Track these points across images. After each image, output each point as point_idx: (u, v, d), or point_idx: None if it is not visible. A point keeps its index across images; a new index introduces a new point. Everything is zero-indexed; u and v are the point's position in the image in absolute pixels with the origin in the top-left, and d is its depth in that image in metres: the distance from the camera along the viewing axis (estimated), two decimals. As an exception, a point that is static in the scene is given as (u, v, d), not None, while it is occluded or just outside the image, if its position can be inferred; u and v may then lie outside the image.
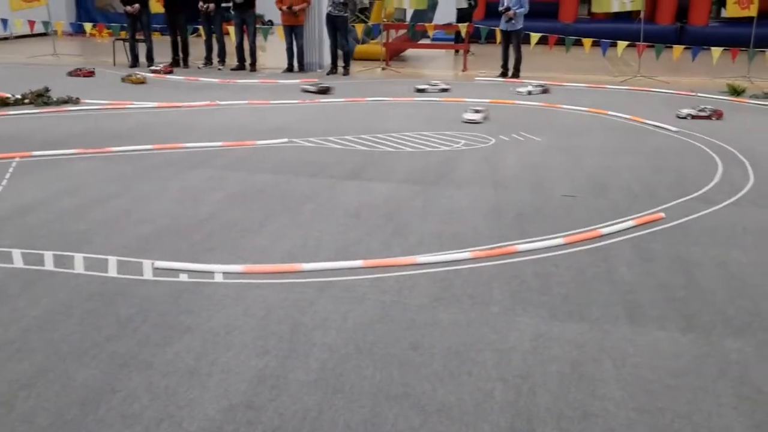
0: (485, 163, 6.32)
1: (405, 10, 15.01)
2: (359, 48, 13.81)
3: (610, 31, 14.36)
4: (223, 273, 3.86)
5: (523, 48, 11.77)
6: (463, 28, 13.39)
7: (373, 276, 3.85)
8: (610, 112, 8.68)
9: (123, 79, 10.76)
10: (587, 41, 12.19)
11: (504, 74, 11.93)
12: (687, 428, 2.55)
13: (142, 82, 10.75)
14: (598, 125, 8.10)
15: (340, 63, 12.11)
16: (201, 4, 12.01)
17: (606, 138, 7.41)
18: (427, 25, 13.60)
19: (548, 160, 6.44)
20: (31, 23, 13.71)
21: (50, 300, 3.52)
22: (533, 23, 12.91)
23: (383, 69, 12.82)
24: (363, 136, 7.26)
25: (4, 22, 13.60)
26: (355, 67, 12.62)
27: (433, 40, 15.68)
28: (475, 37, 14.09)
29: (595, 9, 13.22)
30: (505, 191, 5.45)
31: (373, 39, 14.59)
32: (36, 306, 3.45)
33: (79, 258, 4.03)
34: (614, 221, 4.74)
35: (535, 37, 12.40)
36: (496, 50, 12.50)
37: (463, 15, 15.05)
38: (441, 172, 5.98)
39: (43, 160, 6.17)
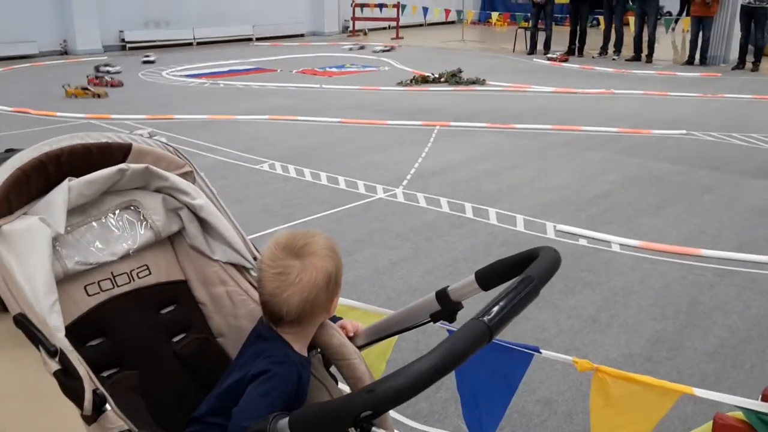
0: None
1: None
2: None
3: None
4: (620, 244, 4.13)
5: None
6: None
7: (779, 273, 3.73)
8: None
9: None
10: None
11: None
12: None
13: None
14: None
15: (750, 59, 11.16)
16: (605, -7, 12.19)
17: None
18: None
19: None
20: (447, 12, 15.49)
21: (472, 241, 4.21)
22: None
23: (801, 67, 11.42)
24: (773, 135, 6.75)
25: (425, 10, 15.62)
26: (766, 64, 11.50)
27: None
28: None
29: None
30: None
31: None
32: (462, 242, 4.17)
33: (492, 212, 4.69)
34: None
35: None
36: None
37: None
38: None
39: (459, 130, 7.13)
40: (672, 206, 4.83)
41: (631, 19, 12.34)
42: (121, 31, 13.70)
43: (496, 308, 0.99)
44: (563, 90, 9.40)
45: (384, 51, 13.60)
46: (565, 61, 12.24)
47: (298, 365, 1.37)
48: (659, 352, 2.96)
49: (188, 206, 1.53)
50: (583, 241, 4.20)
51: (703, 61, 11.55)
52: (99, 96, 8.56)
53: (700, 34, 11.48)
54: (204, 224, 1.55)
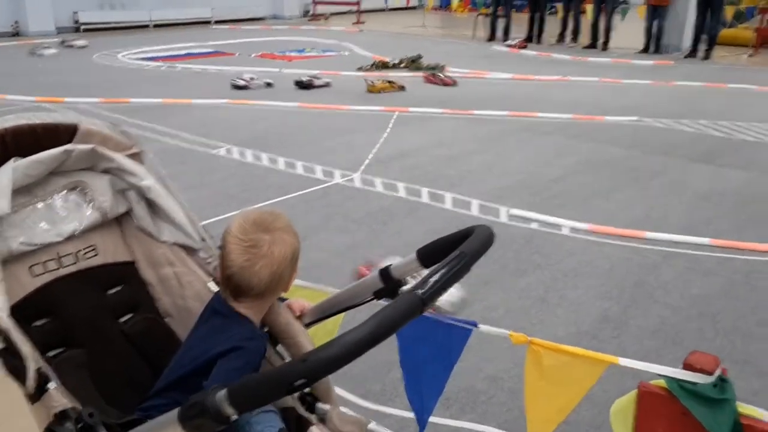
0: None
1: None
2: (725, 32, 12.80)
3: None
4: (570, 227, 4.24)
5: None
6: None
7: (720, 255, 3.88)
8: None
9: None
10: None
11: None
12: None
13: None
14: None
15: (702, 47, 11.45)
16: (562, -18, 12.34)
17: None
18: (813, 9, 12.04)
19: None
20: (409, -3, 15.51)
21: (427, 225, 4.27)
22: None
23: (750, 56, 11.77)
24: (720, 122, 6.95)
25: (387, -5, 15.61)
26: (718, 52, 11.80)
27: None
28: None
29: None
30: None
31: (743, 23, 13.38)
32: (415, 227, 4.23)
33: (448, 197, 4.76)
34: None
35: None
36: None
37: None
38: (810, 168, 5.53)
39: (418, 116, 7.18)
40: (622, 190, 4.97)
41: (589, 8, 12.52)
42: (75, 12, 13.37)
43: (430, 281, 1.04)
44: (520, 77, 9.52)
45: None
46: (524, 48, 12.37)
47: (264, 340, 1.42)
48: (605, 331, 3.07)
49: (135, 187, 1.55)
50: (534, 225, 4.30)
51: (658, 50, 11.80)
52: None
53: (656, 22, 11.72)
54: (152, 205, 1.57)
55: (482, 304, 3.27)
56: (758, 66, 11.02)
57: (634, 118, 7.09)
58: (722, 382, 1.17)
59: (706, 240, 4.03)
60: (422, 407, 1.47)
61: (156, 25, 14.39)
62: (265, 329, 1.48)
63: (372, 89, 8.31)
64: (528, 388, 1.37)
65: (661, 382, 1.27)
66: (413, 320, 1.34)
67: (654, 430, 1.23)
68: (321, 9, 16.95)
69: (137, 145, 1.60)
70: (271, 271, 1.32)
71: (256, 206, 4.45)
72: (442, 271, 1.08)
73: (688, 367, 1.20)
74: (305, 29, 14.86)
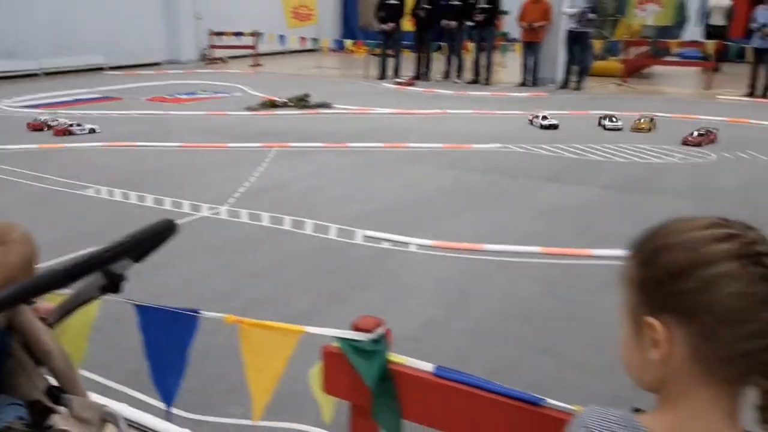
0: (697, 178, 6.27)
1: (654, 26, 14.62)
2: (597, 64, 13.81)
3: None
4: (417, 245, 4.55)
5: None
6: (710, 45, 12.77)
7: (548, 261, 4.26)
8: None
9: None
10: None
11: (751, 94, 11.21)
12: None
13: None
14: None
15: (574, 78, 12.32)
16: (444, 21, 13.03)
17: None
18: (670, 41, 13.20)
19: (769, 179, 6.19)
20: (303, 40, 15.91)
21: (284, 250, 4.49)
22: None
23: (618, 85, 12.74)
24: (575, 145, 7.54)
25: (282, 38, 15.96)
26: (590, 82, 12.71)
27: (684, 57, 15.04)
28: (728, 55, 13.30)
29: None
30: (709, 203, 5.43)
31: (612, 55, 14.47)
32: (273, 253, 4.43)
33: (310, 223, 4.99)
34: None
35: (794, 55, 11.42)
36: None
37: (717, 32, 14.25)
38: (645, 182, 6.10)
39: (296, 150, 7.43)
40: (473, 210, 5.35)
41: (472, 45, 13.26)
42: (-42, 62, 13.05)
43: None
44: (402, 111, 9.98)
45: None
46: (411, 85, 12.94)
47: (7, 337, 1.57)
48: (427, 334, 3.34)
49: None
50: (386, 244, 4.58)
51: (535, 83, 12.60)
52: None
53: (531, 58, 12.53)
54: None
55: (327, 317, 3.48)
56: (623, 94, 11.94)
57: (499, 145, 7.60)
58: (379, 339, 1.42)
59: (535, 248, 4.42)
60: (167, 392, 1.66)
61: (47, 73, 14.18)
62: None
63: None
64: (246, 364, 1.58)
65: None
66: (151, 312, 1.55)
67: (336, 382, 1.47)
68: (218, 53, 17.13)
69: None
70: (6, 278, 1.49)
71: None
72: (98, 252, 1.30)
73: (354, 328, 1.44)
74: (201, 72, 14.99)
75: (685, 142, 7.53)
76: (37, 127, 8.21)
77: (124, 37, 15.54)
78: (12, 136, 7.89)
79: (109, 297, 1.49)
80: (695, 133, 7.63)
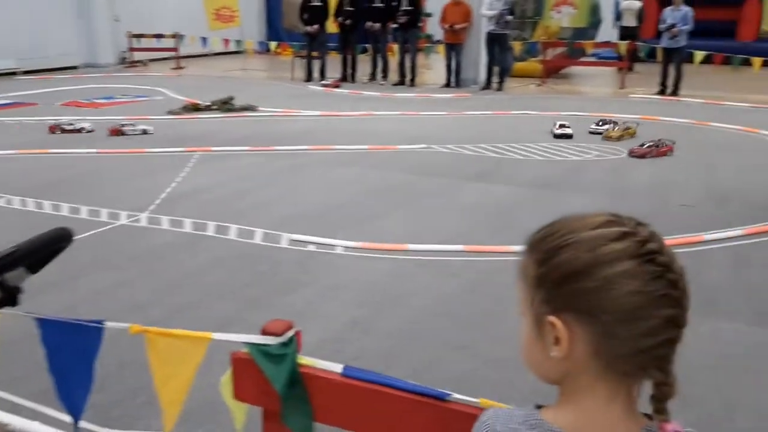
0: (612, 174, 6.52)
1: (571, 28, 15.11)
2: (518, 65, 14.18)
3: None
4: (344, 247, 4.56)
5: (688, 67, 11.54)
6: (622, 45, 13.30)
7: (469, 258, 4.35)
8: (762, 131, 8.37)
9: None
10: (757, 60, 11.65)
11: (662, 92, 11.74)
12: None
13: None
14: (747, 144, 7.89)
15: (495, 79, 12.59)
16: (368, 24, 13.08)
17: (749, 156, 7.24)
18: (585, 42, 13.68)
19: (679, 174, 6.50)
20: (226, 42, 15.65)
21: (207, 256, 4.41)
22: (708, 42, 12.64)
23: (538, 85, 13.10)
24: (498, 144, 7.72)
25: (204, 40, 15.66)
26: (511, 83, 13.02)
27: (600, 58, 15.62)
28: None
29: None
30: (623, 198, 5.66)
31: (532, 57, 14.88)
32: (195, 259, 4.35)
33: (234, 228, 4.92)
34: (724, 229, 4.82)
35: (699, 55, 12.06)
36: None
37: (629, 33, 14.86)
38: (564, 179, 6.30)
39: (219, 155, 7.32)
40: (399, 210, 5.40)
41: (396, 47, 13.37)
42: None
43: None
44: (329, 113, 9.97)
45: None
46: (338, 87, 12.93)
47: None
48: (352, 335, 3.35)
49: None
50: (312, 247, 4.57)
51: (458, 84, 12.81)
52: None
53: (454, 59, 12.74)
54: None
55: (250, 323, 3.44)
56: (543, 94, 12.30)
57: (423, 145, 7.69)
58: (288, 342, 1.42)
59: (459, 247, 4.50)
60: (74, 406, 1.60)
61: (-48, 79, 13.46)
62: None
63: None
64: (154, 374, 1.55)
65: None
66: (52, 325, 1.50)
67: (246, 388, 1.46)
68: (138, 55, 16.66)
69: None
70: None
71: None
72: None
73: (264, 332, 1.44)
74: (121, 76, 14.55)
75: (632, 153, 7.17)
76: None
77: (37, 40, 14.93)
78: None
79: (6, 311, 1.44)
80: (645, 145, 7.25)
